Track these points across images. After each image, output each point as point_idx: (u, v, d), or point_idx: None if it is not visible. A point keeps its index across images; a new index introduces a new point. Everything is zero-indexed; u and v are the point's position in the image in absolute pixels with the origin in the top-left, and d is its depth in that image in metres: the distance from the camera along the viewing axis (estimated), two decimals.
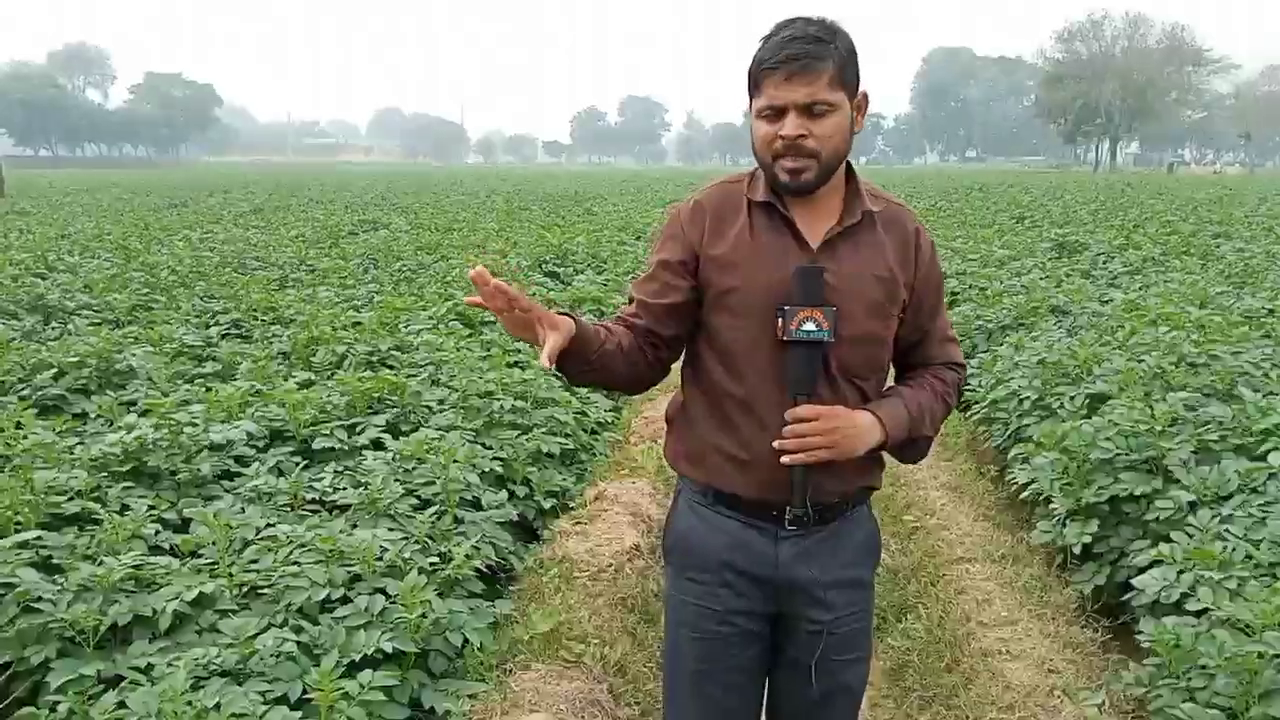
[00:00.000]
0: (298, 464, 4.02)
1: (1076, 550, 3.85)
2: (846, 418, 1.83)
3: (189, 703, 2.36)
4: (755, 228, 1.88)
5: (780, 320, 1.81)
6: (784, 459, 1.82)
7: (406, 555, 3.22)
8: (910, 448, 1.97)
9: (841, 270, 1.84)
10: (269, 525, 3.36)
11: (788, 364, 1.83)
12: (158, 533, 3.34)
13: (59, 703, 2.47)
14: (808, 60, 1.72)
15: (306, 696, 2.56)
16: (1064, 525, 3.98)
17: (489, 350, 6.00)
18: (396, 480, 3.83)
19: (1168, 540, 3.32)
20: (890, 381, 2.04)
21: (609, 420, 6.02)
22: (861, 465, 1.92)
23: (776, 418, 1.83)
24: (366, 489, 3.67)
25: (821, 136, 1.76)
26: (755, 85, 1.78)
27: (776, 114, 1.76)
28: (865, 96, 1.83)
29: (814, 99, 1.73)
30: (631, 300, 1.98)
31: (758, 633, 1.99)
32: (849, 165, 1.89)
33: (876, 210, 1.89)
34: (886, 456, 2.02)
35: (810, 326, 1.79)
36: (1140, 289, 8.38)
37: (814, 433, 1.80)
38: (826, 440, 1.80)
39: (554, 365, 1.73)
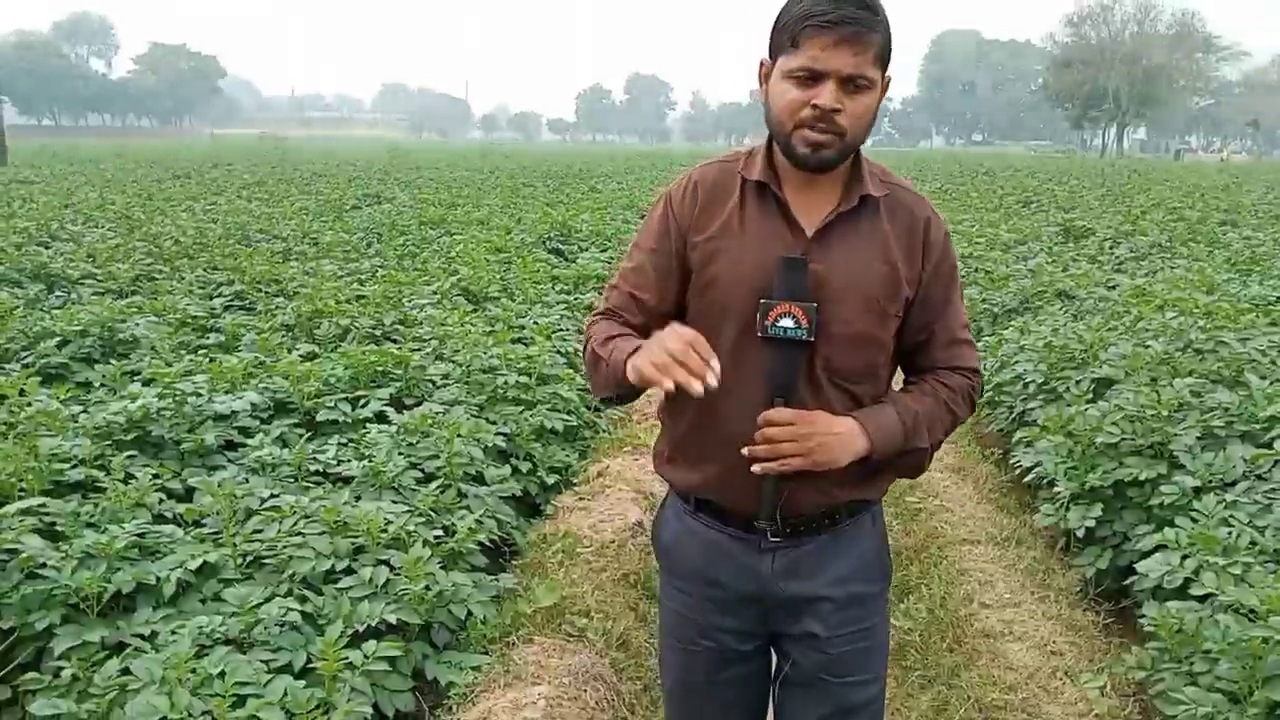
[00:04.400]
0: (301, 436, 4.01)
1: (1079, 534, 3.86)
2: (825, 424, 1.63)
3: (193, 670, 2.38)
4: (745, 210, 1.70)
5: (759, 314, 1.62)
6: (754, 467, 1.63)
7: (410, 528, 3.22)
8: (904, 460, 1.75)
9: (834, 262, 1.65)
10: (273, 496, 3.36)
11: (765, 362, 1.64)
12: (161, 501, 3.34)
13: (63, 668, 2.47)
14: (860, 28, 1.53)
15: (310, 666, 2.57)
16: (1067, 509, 3.98)
17: (493, 326, 5.99)
18: (400, 453, 3.83)
19: (1171, 525, 3.32)
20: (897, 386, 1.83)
21: None
22: (848, 478, 1.70)
23: (751, 421, 1.64)
24: (370, 462, 3.67)
25: (853, 114, 1.58)
26: (792, 41, 1.57)
27: (813, 78, 1.56)
28: (889, 80, 1.65)
29: (859, 71, 1.55)
30: (615, 289, 1.82)
31: (747, 652, 1.85)
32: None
33: (881, 195, 1.70)
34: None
35: (787, 323, 1.60)
36: (1147, 275, 8.35)
37: (787, 438, 1.61)
38: (800, 448, 1.61)
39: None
